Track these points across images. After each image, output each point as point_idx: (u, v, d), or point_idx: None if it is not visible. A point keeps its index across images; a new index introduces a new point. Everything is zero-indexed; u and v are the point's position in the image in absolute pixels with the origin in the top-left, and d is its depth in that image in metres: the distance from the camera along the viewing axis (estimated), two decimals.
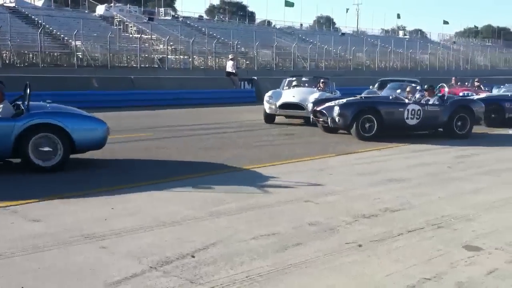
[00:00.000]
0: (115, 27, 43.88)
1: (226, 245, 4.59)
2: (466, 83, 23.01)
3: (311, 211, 5.82)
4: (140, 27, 45.33)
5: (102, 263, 4.15)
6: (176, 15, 59.87)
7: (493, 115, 15.06)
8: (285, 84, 15.85)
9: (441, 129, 12.52)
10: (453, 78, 22.89)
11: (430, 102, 12.25)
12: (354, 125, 11.44)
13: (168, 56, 38.89)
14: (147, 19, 46.99)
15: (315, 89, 15.14)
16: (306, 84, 15.97)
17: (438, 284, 3.89)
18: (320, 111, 12.16)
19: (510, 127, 14.43)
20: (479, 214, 5.83)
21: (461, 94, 18.65)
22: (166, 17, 55.37)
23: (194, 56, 40.27)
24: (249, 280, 3.86)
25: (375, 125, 11.51)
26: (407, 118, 11.78)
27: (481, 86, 21.52)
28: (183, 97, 20.42)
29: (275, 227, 5.16)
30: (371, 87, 17.76)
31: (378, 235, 5.00)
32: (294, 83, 16.00)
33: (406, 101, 12.00)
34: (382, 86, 17.43)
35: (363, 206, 6.05)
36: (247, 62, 43.40)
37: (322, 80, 15.86)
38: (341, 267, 4.17)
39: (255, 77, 25.45)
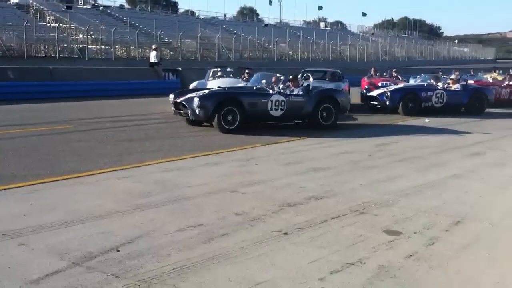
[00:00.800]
0: (31, 16, 41.98)
1: (152, 238, 4.53)
2: (385, 74, 23.79)
3: (237, 201, 5.84)
4: (58, 15, 43.60)
5: (20, 261, 3.98)
6: (96, 4, 57.98)
7: (410, 105, 15.71)
8: (210, 75, 15.82)
9: (307, 120, 12.30)
10: (372, 68, 23.58)
11: (295, 93, 11.98)
12: (216, 117, 10.96)
13: (89, 46, 37.70)
14: (65, 7, 45.25)
15: (240, 79, 15.15)
16: (231, 75, 15.96)
17: (360, 269, 4.02)
18: (181, 103, 11.56)
19: (426, 116, 15.09)
20: (398, 199, 6.07)
21: (380, 84, 19.28)
22: (85, 6, 53.50)
23: (116, 46, 39.29)
24: (176, 272, 3.83)
25: (238, 117, 11.09)
26: (271, 109, 11.41)
27: (398, 76, 22.31)
28: (105, 88, 19.89)
29: (201, 218, 5.14)
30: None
31: (303, 222, 5.09)
32: (219, 73, 15.98)
33: (270, 91, 11.60)
34: (305, 77, 17.76)
35: (288, 195, 6.14)
36: (171, 53, 42.86)
37: (246, 71, 15.84)
38: (267, 256, 4.22)
39: (180, 68, 25.18)
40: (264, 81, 12.08)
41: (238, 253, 4.25)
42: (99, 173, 7.03)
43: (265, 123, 11.78)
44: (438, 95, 16.08)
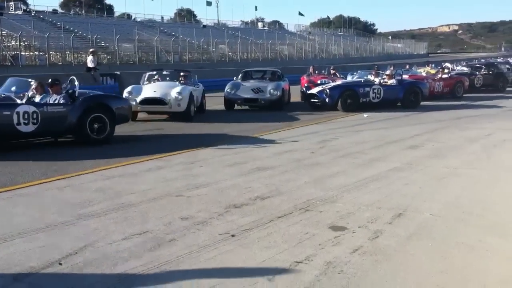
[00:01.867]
0: None
1: (96, 249, 4.41)
2: (323, 71, 24.18)
3: (183, 205, 5.77)
4: None
5: None
6: (28, 9, 56.21)
7: (349, 101, 16.03)
8: (146, 79, 15.35)
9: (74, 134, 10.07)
10: (311, 67, 23.91)
11: (52, 101, 9.69)
12: None
13: (22, 53, 36.44)
14: None
15: (177, 82, 14.88)
16: (168, 78, 15.60)
17: (308, 266, 4.04)
18: None
19: (365, 111, 15.43)
20: (341, 195, 6.16)
21: (319, 81, 19.58)
22: (17, 12, 51.75)
23: (51, 52, 38.18)
24: (122, 283, 3.74)
25: None
26: (19, 124, 8.95)
27: (336, 73, 22.73)
28: None
29: (146, 225, 5.04)
30: (235, 78, 18.01)
31: (250, 223, 5.09)
32: (156, 77, 15.60)
33: (18, 101, 9.23)
34: (245, 77, 17.79)
35: (234, 196, 6.13)
36: (108, 57, 42.03)
37: (182, 74, 15.63)
38: (215, 259, 4.18)
39: (118, 72, 24.70)
40: (14, 88, 9.82)
41: (186, 258, 4.20)
42: (38, 184, 6.78)
43: (15, 142, 9.56)
44: (375, 90, 16.49)
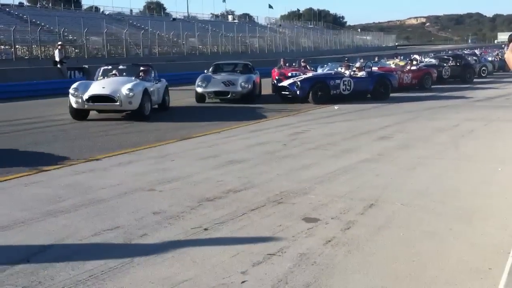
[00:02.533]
0: None
1: (66, 245, 4.32)
2: (294, 64, 24.22)
3: (154, 199, 5.71)
4: None
5: None
6: None
7: (319, 93, 16.09)
8: (100, 74, 13.94)
9: None
10: (282, 59, 23.93)
11: None
12: None
13: None
14: None
15: (133, 78, 13.24)
16: (125, 73, 13.94)
17: (281, 258, 4.04)
18: None
19: (335, 103, 15.51)
20: (314, 187, 6.18)
21: (290, 74, 19.60)
22: None
23: (17, 46, 37.29)
24: (93, 279, 3.67)
25: None
26: None
27: (307, 66, 22.79)
28: (6, 90, 18.83)
29: (117, 220, 4.97)
30: (206, 71, 17.89)
31: (223, 217, 5.06)
32: (113, 72, 14.07)
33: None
34: (216, 70, 17.70)
35: (206, 190, 6.08)
36: (76, 50, 41.30)
37: (142, 68, 14.19)
38: (188, 253, 4.15)
39: (86, 66, 24.31)
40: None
41: (157, 253, 4.14)
42: (4, 180, 6.62)
43: None
44: (345, 82, 16.58)
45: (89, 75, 22.77)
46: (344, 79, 16.67)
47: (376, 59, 28.67)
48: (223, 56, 50.13)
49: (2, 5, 52.96)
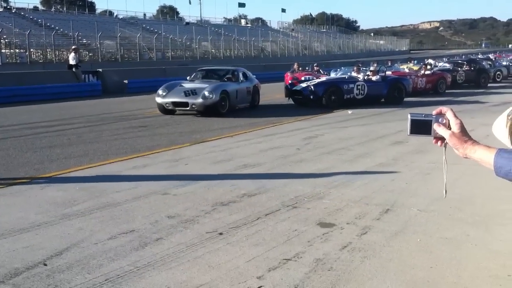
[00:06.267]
0: None
1: (81, 249, 4.33)
2: (307, 68, 24.21)
3: (169, 203, 5.71)
4: None
5: None
6: (8, 7, 55.49)
7: (333, 97, 16.03)
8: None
9: None
10: (295, 63, 23.93)
11: None
12: None
13: (2, 51, 35.90)
14: None
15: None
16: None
17: (297, 263, 4.01)
18: None
19: (349, 108, 15.46)
20: (329, 191, 6.14)
21: (303, 78, 19.58)
22: None
23: (32, 50, 37.65)
24: (109, 283, 3.67)
25: None
26: None
27: (320, 70, 22.77)
28: (21, 93, 18.97)
29: (132, 224, 4.97)
30: (188, 77, 16.02)
31: (237, 221, 5.04)
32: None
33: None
34: (198, 76, 15.78)
35: (221, 194, 6.07)
36: (90, 54, 41.59)
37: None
38: (203, 258, 4.13)
39: (100, 69, 24.47)
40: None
41: (173, 257, 4.14)
42: (20, 183, 6.66)
43: None
44: (359, 87, 16.51)
45: (103, 79, 22.94)
46: (358, 83, 16.60)
47: (389, 63, 28.54)
48: (236, 60, 50.22)
49: (17, 9, 53.58)
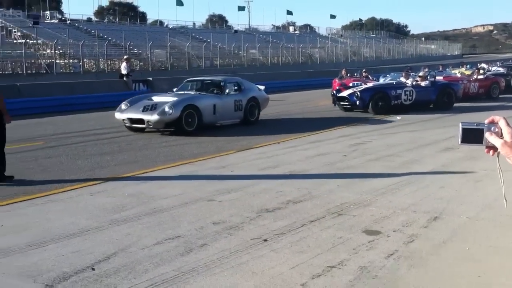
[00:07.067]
0: None
1: (128, 254, 4.42)
2: (356, 74, 23.96)
3: (214, 210, 5.75)
4: (25, 31, 42.96)
5: None
6: (63, 18, 57.42)
7: (380, 103, 15.80)
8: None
9: None
10: (343, 69, 23.74)
11: None
12: None
13: (56, 61, 37.18)
14: (32, 23, 44.55)
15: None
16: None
17: (342, 271, 3.97)
18: None
19: (397, 114, 15.21)
20: (375, 198, 6.06)
21: (351, 84, 19.39)
22: (52, 21, 52.86)
23: (85, 60, 38.82)
24: None
25: None
26: None
27: (369, 76, 22.49)
28: (74, 102, 19.58)
29: (178, 229, 5.04)
30: (174, 89, 14.67)
31: (282, 228, 5.04)
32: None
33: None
34: (184, 88, 14.36)
35: (266, 200, 6.08)
36: (140, 63, 42.53)
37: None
38: (248, 264, 4.15)
39: (150, 78, 24.96)
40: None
41: (217, 263, 4.17)
42: (71, 189, 6.86)
43: None
44: (407, 92, 16.20)
45: (153, 87, 23.38)
46: (405, 89, 16.30)
47: (440, 68, 27.92)
48: (283, 67, 50.37)
49: (72, 20, 55.38)
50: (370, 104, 15.73)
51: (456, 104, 17.17)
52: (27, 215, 5.68)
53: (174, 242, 4.69)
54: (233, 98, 13.33)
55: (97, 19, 68.04)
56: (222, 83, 13.65)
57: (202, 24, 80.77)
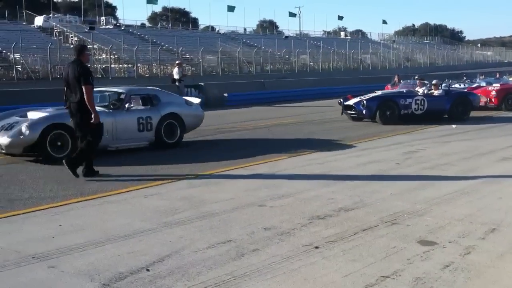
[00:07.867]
0: (55, 38, 42.76)
1: (182, 256, 4.48)
2: (409, 80, 23.57)
3: (266, 215, 5.76)
4: (81, 37, 44.36)
5: (50, 284, 3.95)
6: (117, 24, 59.03)
7: (388, 112, 14.89)
8: None
9: None
10: (396, 75, 23.42)
11: None
12: None
13: (111, 66, 38.20)
14: (88, 28, 45.97)
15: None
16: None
17: (396, 281, 3.90)
18: None
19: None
20: (430, 208, 5.93)
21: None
22: (107, 26, 54.40)
23: (138, 65, 39.76)
24: None
25: None
26: None
27: (424, 81, 22.04)
28: None
29: (230, 234, 5.07)
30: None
31: (334, 235, 4.99)
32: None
33: None
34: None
35: (317, 207, 6.05)
36: (192, 69, 43.17)
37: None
38: (299, 271, 4.13)
39: (202, 83, 25.28)
40: None
41: (269, 269, 4.17)
42: (126, 191, 7.02)
43: None
44: (417, 101, 15.34)
45: (204, 92, 23.68)
46: (416, 98, 15.36)
47: (497, 75, 27.15)
48: (334, 72, 50.10)
49: (126, 26, 56.83)
50: (378, 113, 14.98)
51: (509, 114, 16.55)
52: (84, 216, 5.84)
53: (226, 246, 4.72)
54: (136, 115, 10.50)
55: (150, 25, 69.53)
56: (122, 95, 10.68)
57: (253, 30, 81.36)
